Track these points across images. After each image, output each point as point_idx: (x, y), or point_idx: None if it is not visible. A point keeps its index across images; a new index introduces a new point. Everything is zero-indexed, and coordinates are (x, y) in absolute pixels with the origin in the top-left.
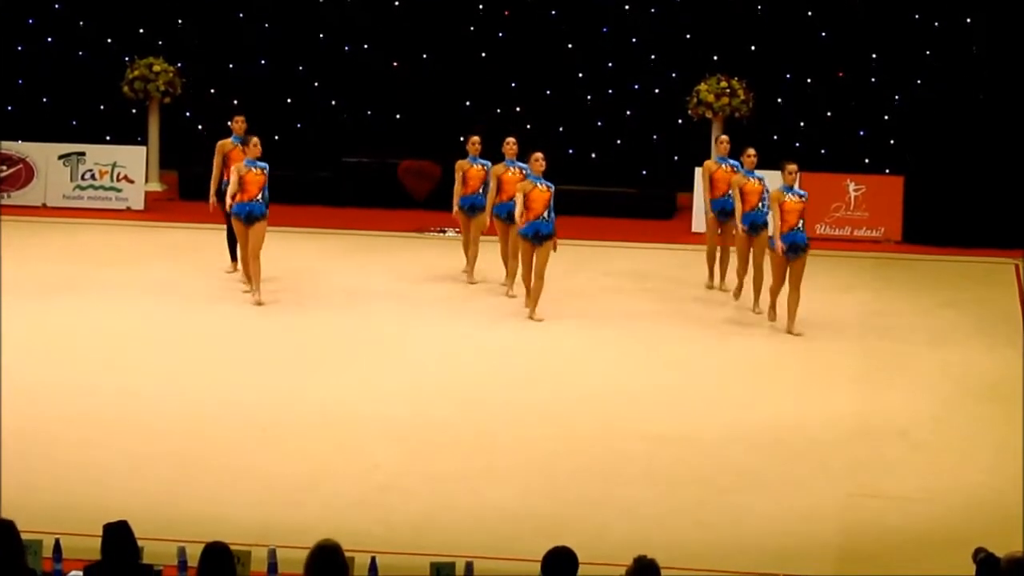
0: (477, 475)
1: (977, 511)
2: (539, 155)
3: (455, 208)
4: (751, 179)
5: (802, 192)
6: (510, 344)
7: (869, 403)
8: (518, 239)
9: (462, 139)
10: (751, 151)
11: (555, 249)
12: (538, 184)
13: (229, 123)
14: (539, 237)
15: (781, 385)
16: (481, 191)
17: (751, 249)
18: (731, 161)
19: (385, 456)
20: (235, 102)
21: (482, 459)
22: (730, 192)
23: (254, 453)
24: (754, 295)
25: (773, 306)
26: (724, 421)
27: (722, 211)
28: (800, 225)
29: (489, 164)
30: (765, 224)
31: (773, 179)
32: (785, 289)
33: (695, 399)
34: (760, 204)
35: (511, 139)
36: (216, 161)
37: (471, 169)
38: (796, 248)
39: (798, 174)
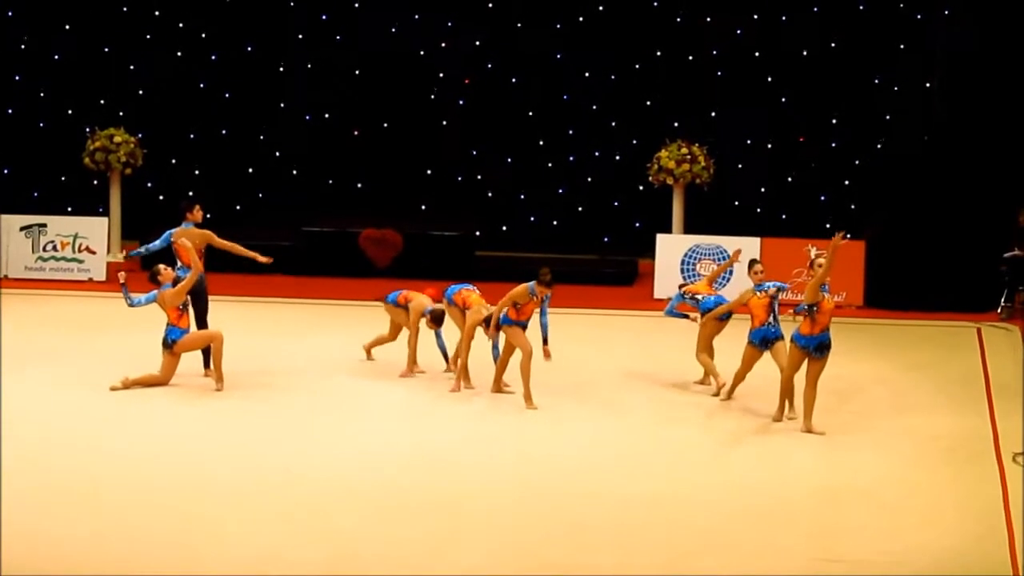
0: (442, 540)
1: (943, 573)
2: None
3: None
4: (757, 293)
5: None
6: (473, 410)
7: (833, 466)
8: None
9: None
10: (759, 267)
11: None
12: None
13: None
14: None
15: (744, 448)
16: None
17: (755, 360)
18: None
19: (349, 522)
20: (196, 172)
21: (447, 524)
22: (769, 320)
23: (218, 522)
24: (789, 403)
25: (782, 407)
26: (688, 485)
27: (763, 340)
28: (828, 325)
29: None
30: (777, 337)
31: (740, 245)
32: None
33: (658, 463)
34: (769, 318)
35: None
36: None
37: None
38: (822, 348)
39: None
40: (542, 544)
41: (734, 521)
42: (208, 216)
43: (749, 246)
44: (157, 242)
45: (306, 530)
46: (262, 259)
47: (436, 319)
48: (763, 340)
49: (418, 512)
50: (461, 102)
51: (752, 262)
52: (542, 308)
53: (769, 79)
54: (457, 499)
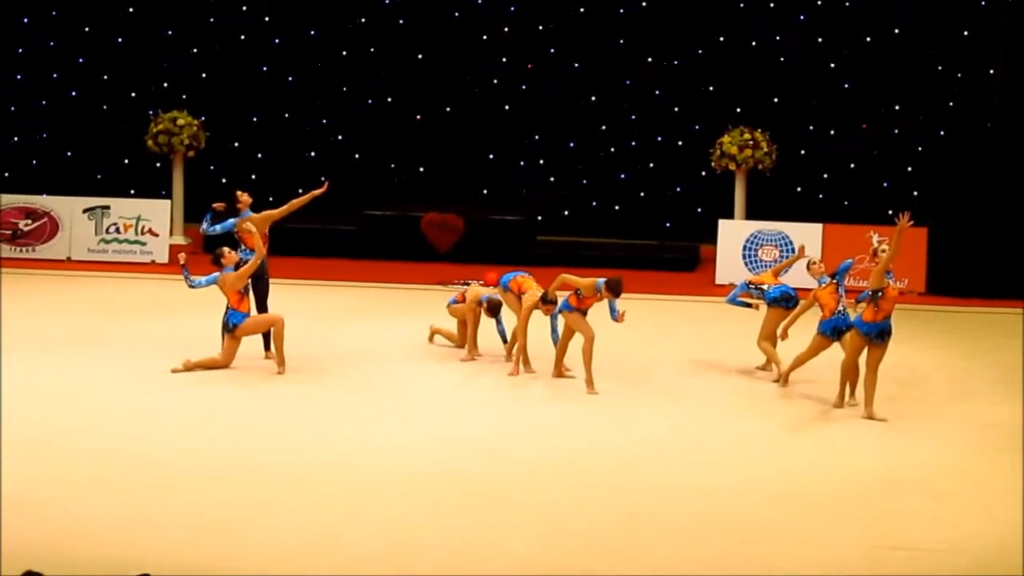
0: (497, 528)
1: (1002, 561)
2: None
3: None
4: (821, 285)
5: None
6: (532, 395)
7: (892, 454)
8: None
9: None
10: (816, 263)
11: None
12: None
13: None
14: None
15: (804, 436)
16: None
17: (823, 349)
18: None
19: (406, 509)
20: (259, 155)
21: (502, 512)
22: (841, 308)
23: (274, 507)
24: (850, 389)
25: (842, 392)
26: (745, 473)
27: (835, 330)
28: (891, 312)
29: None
30: (848, 326)
31: (802, 231)
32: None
33: (717, 451)
34: (839, 307)
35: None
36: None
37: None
38: (883, 335)
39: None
40: (597, 533)
41: (792, 509)
42: (270, 199)
43: (811, 233)
44: (219, 226)
45: (363, 516)
46: (318, 191)
47: (492, 309)
48: (835, 330)
49: (474, 499)
50: (523, 87)
51: (808, 262)
52: (611, 304)
53: (832, 65)
54: (514, 486)
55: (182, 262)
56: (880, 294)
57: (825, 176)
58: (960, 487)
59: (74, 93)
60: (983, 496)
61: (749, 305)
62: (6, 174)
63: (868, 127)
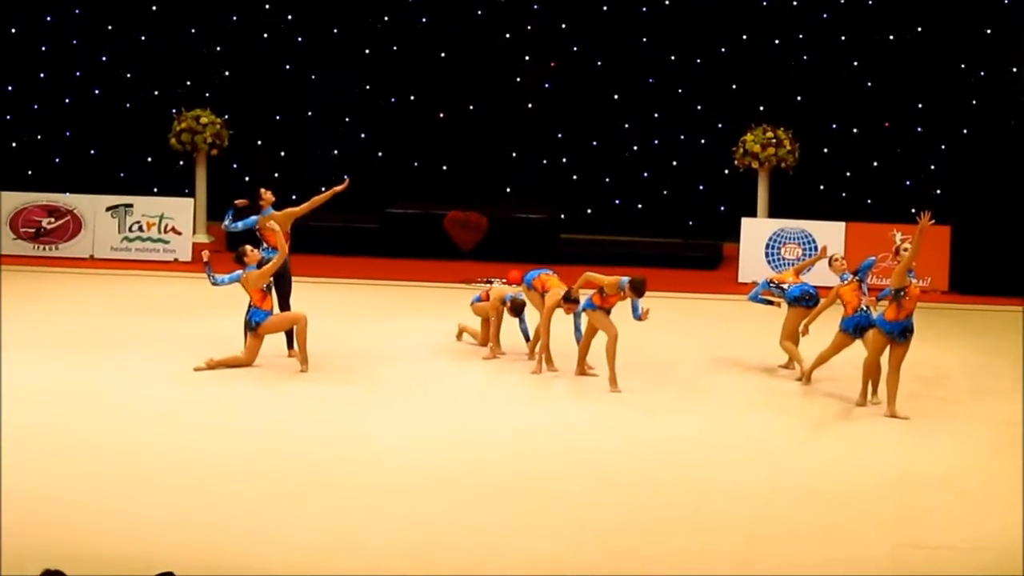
0: (521, 527)
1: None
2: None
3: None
4: (843, 282)
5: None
6: (555, 393)
7: (915, 452)
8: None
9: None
10: (839, 258)
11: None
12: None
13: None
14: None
15: (827, 434)
16: None
17: (845, 346)
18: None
19: (429, 507)
20: (282, 153)
21: (526, 511)
22: (864, 306)
23: (296, 506)
24: (873, 387)
25: (864, 391)
26: (769, 471)
27: (857, 327)
28: (912, 311)
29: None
30: (870, 324)
31: (825, 230)
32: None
33: (740, 449)
34: (861, 305)
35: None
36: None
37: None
38: (905, 333)
39: None
40: (621, 532)
41: (816, 508)
42: (293, 197)
43: (834, 231)
44: (240, 223)
45: (385, 514)
46: (340, 188)
47: (515, 308)
48: (856, 327)
49: (498, 497)
50: (546, 85)
51: (831, 258)
52: (634, 303)
53: (855, 63)
54: (537, 484)
55: (205, 260)
56: (902, 292)
57: (848, 174)
58: (983, 485)
59: (97, 91)
60: (1006, 494)
61: (771, 303)
62: (29, 172)
63: (891, 125)
